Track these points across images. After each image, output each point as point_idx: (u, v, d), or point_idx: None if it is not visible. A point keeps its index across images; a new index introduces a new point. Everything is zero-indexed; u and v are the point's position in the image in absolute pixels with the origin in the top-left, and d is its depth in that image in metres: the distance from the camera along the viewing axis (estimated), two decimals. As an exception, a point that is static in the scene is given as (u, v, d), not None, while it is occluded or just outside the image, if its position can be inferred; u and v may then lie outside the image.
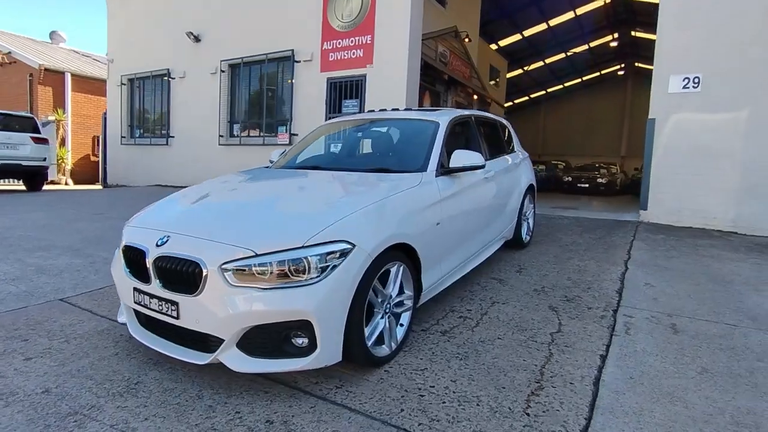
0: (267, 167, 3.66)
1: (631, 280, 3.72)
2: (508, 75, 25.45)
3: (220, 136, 10.29)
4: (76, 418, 1.91)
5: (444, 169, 3.01)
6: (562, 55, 24.50)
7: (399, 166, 3.05)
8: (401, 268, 2.43)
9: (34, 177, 10.67)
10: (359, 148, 3.69)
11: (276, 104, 9.58)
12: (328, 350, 2.02)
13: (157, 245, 2.16)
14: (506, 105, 29.99)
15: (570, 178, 16.65)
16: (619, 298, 3.29)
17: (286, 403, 2.03)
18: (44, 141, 10.60)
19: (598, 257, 4.37)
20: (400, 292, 2.51)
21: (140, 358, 2.44)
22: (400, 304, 2.51)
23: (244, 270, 1.96)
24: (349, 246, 2.07)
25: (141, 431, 1.83)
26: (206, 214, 2.42)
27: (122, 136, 12.46)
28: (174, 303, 2.07)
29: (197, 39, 10.49)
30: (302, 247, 1.99)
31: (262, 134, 9.79)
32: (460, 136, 3.72)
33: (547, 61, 25.30)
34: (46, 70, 16.11)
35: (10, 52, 16.87)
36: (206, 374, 2.26)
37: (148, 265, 2.16)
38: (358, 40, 8.26)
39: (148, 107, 12.00)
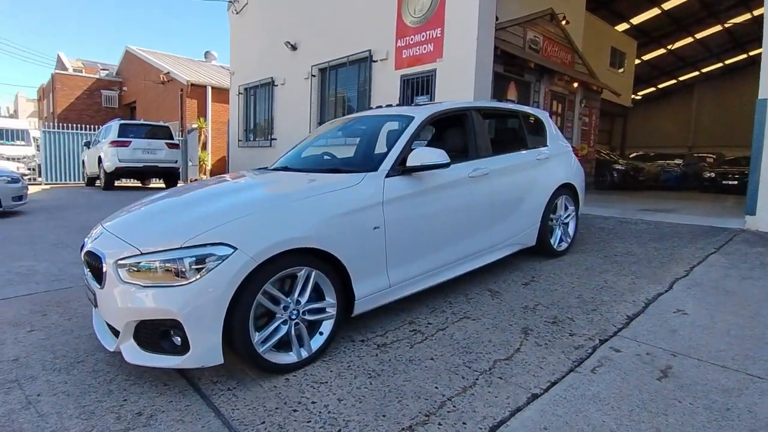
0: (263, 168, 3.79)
1: (662, 304, 2.97)
2: (647, 56, 22.29)
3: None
4: (11, 385, 2.24)
5: (402, 169, 2.78)
6: (718, 28, 20.48)
7: (352, 165, 2.92)
8: (313, 274, 2.32)
9: (169, 176, 12.66)
10: (334, 147, 3.60)
11: (357, 104, 9.84)
12: (202, 351, 2.04)
13: (91, 240, 2.42)
14: (644, 92, 26.28)
15: (712, 174, 13.75)
16: (622, 327, 2.67)
17: (169, 398, 2.10)
18: (176, 146, 12.54)
19: (641, 273, 3.59)
20: (319, 298, 2.40)
21: (102, 340, 2.73)
22: (319, 311, 2.40)
23: (131, 267, 2.07)
24: (229, 249, 2.06)
25: (41, 404, 2.07)
26: (139, 214, 2.60)
27: (239, 140, 14.07)
28: (93, 293, 2.30)
29: (294, 47, 11.30)
30: (180, 248, 2.04)
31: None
32: (449, 130, 3.38)
33: (698, 35, 21.40)
34: (192, 85, 18.96)
35: (168, 72, 20.24)
36: (133, 361, 2.44)
37: (82, 258, 2.43)
38: (429, 34, 8.03)
39: (258, 113, 13.34)
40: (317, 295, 2.41)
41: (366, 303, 2.62)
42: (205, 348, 2.04)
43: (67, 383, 2.25)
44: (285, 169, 3.32)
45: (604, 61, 15.40)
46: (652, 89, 26.80)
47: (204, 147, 19.24)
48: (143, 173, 12.28)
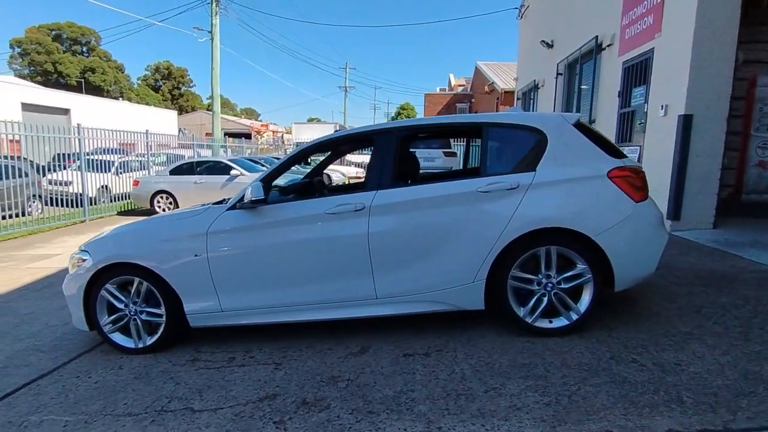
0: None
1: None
2: None
3: (553, 142, 9.86)
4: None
5: (241, 203, 2.92)
6: None
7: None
8: (144, 284, 2.99)
9: (445, 181, 14.24)
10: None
11: (590, 104, 8.15)
12: (76, 320, 3.14)
13: None
14: None
15: None
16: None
17: (70, 349, 3.30)
18: (452, 154, 13.95)
19: (593, 399, 1.97)
20: (156, 305, 3.03)
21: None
22: (153, 315, 3.03)
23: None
24: (88, 255, 3.06)
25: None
26: None
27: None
28: None
29: (549, 45, 10.34)
30: (78, 251, 3.20)
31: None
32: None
33: None
34: (506, 92, 19.93)
35: (492, 83, 21.95)
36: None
37: None
38: (650, 1, 5.84)
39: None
40: (156, 302, 3.03)
41: (199, 319, 3.00)
42: (77, 318, 3.12)
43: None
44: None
45: None
46: None
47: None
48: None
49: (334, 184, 4.77)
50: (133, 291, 3.02)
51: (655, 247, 2.80)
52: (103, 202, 11.32)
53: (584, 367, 2.37)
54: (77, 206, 9.59)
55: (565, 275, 2.72)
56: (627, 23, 6.56)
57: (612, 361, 2.40)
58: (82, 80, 45.96)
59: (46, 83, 41.46)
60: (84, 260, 3.06)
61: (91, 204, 10.40)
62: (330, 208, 2.83)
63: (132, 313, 3.05)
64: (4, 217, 8.13)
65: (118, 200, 11.63)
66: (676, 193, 5.23)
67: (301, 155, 3.12)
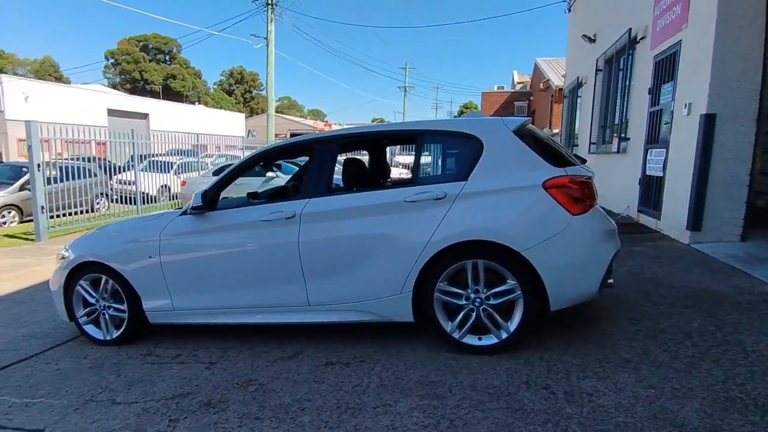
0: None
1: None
2: None
3: (591, 143, 9.24)
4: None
5: (191, 210, 3.07)
6: None
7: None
8: (110, 282, 3.26)
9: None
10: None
11: (625, 104, 7.52)
12: (59, 311, 3.48)
13: None
14: None
15: None
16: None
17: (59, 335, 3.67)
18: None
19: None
20: (120, 301, 3.29)
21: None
22: (118, 310, 3.30)
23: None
24: (69, 252, 3.39)
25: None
26: None
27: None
28: None
29: (592, 40, 9.68)
30: (63, 248, 3.55)
31: (605, 141, 8.13)
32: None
33: None
34: (560, 89, 18.96)
35: (548, 80, 20.98)
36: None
37: None
38: (678, -10, 5.30)
39: (571, 119, 12.16)
40: (121, 298, 3.29)
41: (157, 317, 3.22)
42: (60, 310, 3.46)
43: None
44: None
45: None
46: None
47: (566, 151, 18.89)
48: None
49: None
50: (101, 287, 3.31)
51: (596, 265, 2.57)
52: (164, 200, 12.33)
53: (490, 390, 2.24)
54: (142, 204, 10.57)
55: (494, 291, 2.58)
56: (659, 14, 6.01)
57: (523, 386, 2.25)
58: (163, 86, 50.10)
59: (134, 90, 45.74)
60: (65, 257, 3.40)
61: (152, 202, 11.38)
62: (265, 215, 2.92)
63: (101, 308, 3.33)
64: (72, 213, 9.11)
65: (176, 199, 12.61)
66: (697, 201, 4.71)
67: (251, 163, 3.24)
